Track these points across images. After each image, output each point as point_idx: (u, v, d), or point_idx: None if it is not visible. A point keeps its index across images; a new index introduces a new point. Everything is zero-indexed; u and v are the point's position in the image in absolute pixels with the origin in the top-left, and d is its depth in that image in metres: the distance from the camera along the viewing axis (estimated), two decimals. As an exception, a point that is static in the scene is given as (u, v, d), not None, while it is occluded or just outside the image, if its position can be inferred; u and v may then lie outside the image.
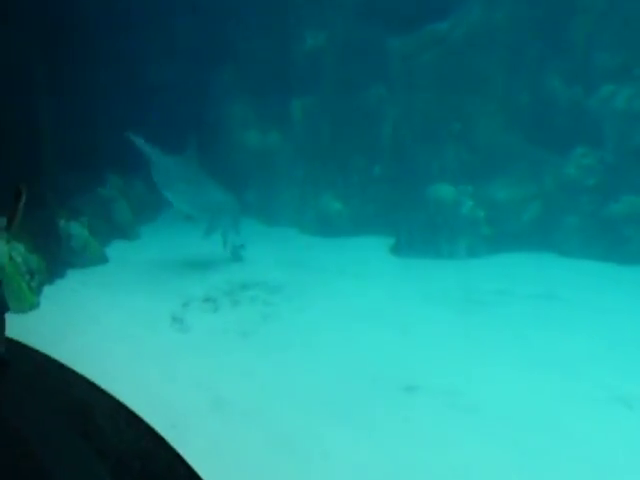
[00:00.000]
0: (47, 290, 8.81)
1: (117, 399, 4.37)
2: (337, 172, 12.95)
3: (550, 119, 11.70)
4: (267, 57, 13.64)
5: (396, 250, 11.45)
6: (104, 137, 11.75)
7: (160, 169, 10.70)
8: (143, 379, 6.32)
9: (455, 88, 11.79)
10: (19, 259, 8.49)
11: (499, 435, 5.59)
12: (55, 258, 9.50)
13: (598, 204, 11.15)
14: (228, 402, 6.03)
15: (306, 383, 6.42)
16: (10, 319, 4.80)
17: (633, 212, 10.89)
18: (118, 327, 7.77)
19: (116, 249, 11.14)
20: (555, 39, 11.71)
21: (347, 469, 5.16)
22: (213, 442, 5.37)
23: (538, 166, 11.66)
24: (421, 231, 11.29)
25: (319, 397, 6.15)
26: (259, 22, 13.84)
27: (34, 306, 8.24)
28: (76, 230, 10.33)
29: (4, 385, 4.56)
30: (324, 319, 8.11)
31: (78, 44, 11.15)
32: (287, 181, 13.46)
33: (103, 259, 10.54)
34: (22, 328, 5.25)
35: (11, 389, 4.49)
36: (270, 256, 10.97)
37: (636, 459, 5.36)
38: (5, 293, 4.87)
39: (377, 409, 5.99)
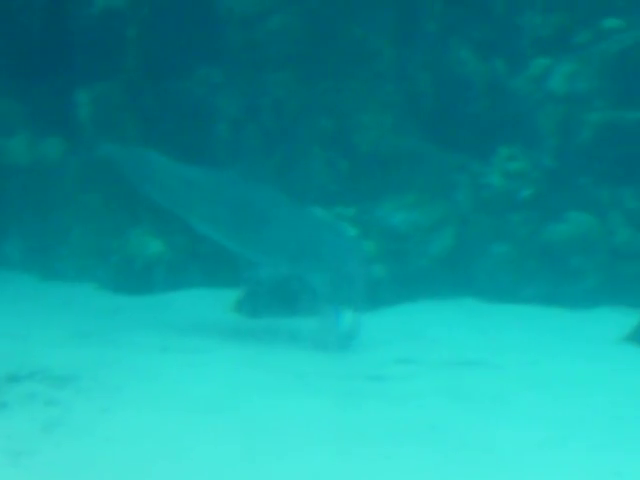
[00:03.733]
0: None
1: None
2: (152, 196, 12.91)
3: (461, 107, 12.13)
4: (35, 22, 13.36)
5: (241, 307, 11.39)
6: None
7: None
8: None
9: (323, 68, 12.00)
10: None
11: None
12: None
13: (535, 225, 11.61)
14: None
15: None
16: None
17: (581, 233, 11.37)
18: None
19: None
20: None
21: None
22: None
23: (447, 176, 11.99)
24: (274, 278, 11.05)
25: None
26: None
27: None
28: None
29: None
30: (140, 423, 7.74)
31: None
32: (76, 213, 13.22)
33: None
34: None
35: None
36: (53, 326, 10.65)
37: None
38: None
39: None
